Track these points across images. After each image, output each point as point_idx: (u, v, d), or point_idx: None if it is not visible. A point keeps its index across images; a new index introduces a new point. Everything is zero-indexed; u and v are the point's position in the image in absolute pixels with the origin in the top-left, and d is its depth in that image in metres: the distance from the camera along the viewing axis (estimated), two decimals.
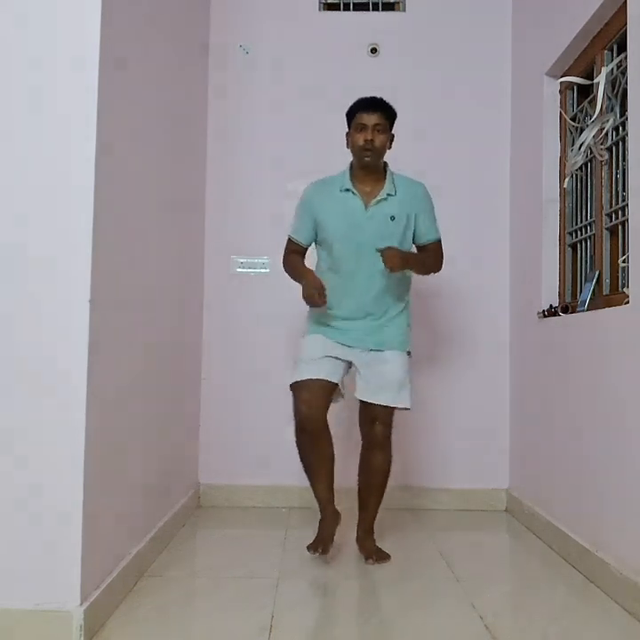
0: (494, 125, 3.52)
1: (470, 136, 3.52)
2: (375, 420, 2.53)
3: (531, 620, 2.02)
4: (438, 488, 3.41)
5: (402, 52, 3.55)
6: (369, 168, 2.54)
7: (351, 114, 2.54)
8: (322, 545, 2.48)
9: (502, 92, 3.53)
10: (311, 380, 2.48)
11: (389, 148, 2.58)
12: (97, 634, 1.85)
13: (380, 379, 2.53)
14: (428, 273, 2.70)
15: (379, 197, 2.52)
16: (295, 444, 2.54)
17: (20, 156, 1.83)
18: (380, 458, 2.56)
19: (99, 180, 1.85)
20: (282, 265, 2.70)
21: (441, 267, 2.71)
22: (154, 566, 2.43)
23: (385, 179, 2.57)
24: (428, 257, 2.66)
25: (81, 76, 1.83)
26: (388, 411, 2.54)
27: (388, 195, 2.53)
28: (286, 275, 2.68)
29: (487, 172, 3.52)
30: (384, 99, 2.55)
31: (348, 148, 2.58)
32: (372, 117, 2.48)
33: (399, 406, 2.54)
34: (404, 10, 3.57)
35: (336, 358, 2.54)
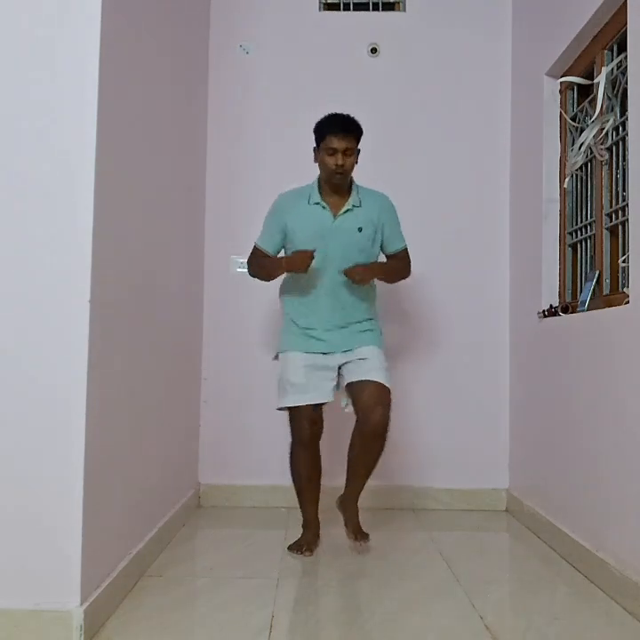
0: (494, 125, 3.52)
1: (470, 136, 3.52)
2: (374, 404, 2.51)
3: (531, 620, 2.02)
4: (438, 488, 3.41)
5: (402, 52, 3.55)
6: (337, 185, 2.61)
7: (320, 134, 2.56)
8: (306, 545, 2.59)
9: (502, 91, 3.53)
10: (306, 406, 2.57)
11: (356, 162, 2.62)
12: (97, 634, 1.85)
13: (365, 364, 2.59)
14: (397, 280, 2.80)
15: (345, 208, 2.61)
16: (289, 457, 2.65)
17: (20, 156, 1.83)
18: (375, 445, 2.54)
19: (99, 180, 1.86)
20: (248, 270, 2.78)
21: (409, 272, 2.80)
22: (154, 566, 2.44)
23: (350, 191, 2.64)
24: (395, 265, 2.75)
25: (81, 76, 1.83)
26: (386, 393, 2.56)
27: (354, 206, 2.61)
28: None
29: (487, 172, 3.52)
30: (351, 117, 2.57)
31: (315, 162, 2.63)
32: (342, 143, 2.51)
33: (387, 384, 2.57)
34: (404, 10, 3.57)
35: (322, 373, 2.60)
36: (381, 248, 2.72)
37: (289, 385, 2.59)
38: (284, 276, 2.76)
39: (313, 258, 2.50)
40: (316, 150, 2.61)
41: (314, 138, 2.62)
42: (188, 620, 2.02)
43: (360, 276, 2.52)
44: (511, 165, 3.49)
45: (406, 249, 2.76)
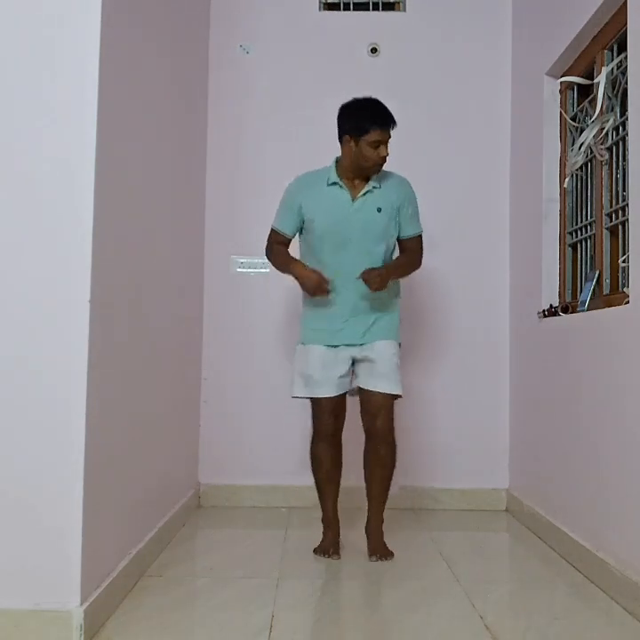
0: (494, 125, 3.52)
1: (470, 136, 3.52)
2: (377, 412, 2.56)
3: (531, 620, 2.02)
4: (438, 488, 3.41)
5: (402, 52, 3.55)
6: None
7: (361, 126, 2.47)
8: (332, 548, 2.59)
9: (502, 91, 3.53)
10: (328, 398, 2.58)
11: None
12: (97, 634, 1.85)
13: (376, 368, 2.57)
14: (409, 274, 2.75)
15: (365, 189, 2.56)
16: (310, 453, 2.63)
17: (21, 157, 1.83)
18: (384, 450, 2.59)
19: (99, 180, 1.86)
20: (265, 256, 2.74)
21: (421, 263, 2.73)
22: (154, 566, 2.44)
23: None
24: (408, 259, 2.69)
25: (81, 76, 1.83)
26: (389, 400, 2.58)
27: (374, 187, 2.57)
28: (279, 272, 2.71)
29: (487, 172, 3.52)
30: (384, 105, 2.52)
31: (347, 153, 2.54)
32: (386, 135, 2.49)
33: (395, 393, 2.58)
34: (404, 10, 3.57)
35: (339, 366, 2.59)
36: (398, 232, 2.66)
37: (306, 377, 2.58)
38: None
39: (328, 292, 2.50)
40: (346, 138, 2.51)
41: (340, 124, 2.53)
42: (188, 620, 2.02)
43: (377, 284, 2.47)
44: (511, 165, 3.49)
45: (421, 236, 2.70)
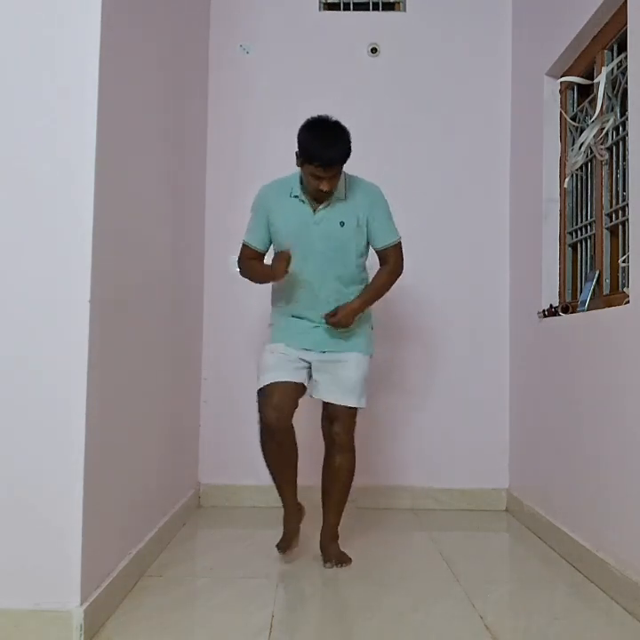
0: (494, 125, 3.52)
1: (470, 136, 3.52)
2: (336, 421, 2.51)
3: (531, 620, 2.02)
4: (438, 488, 3.41)
5: (402, 52, 3.55)
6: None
7: (305, 153, 2.33)
8: (288, 542, 2.55)
9: (502, 91, 3.53)
10: (277, 383, 2.45)
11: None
12: (97, 634, 1.85)
13: (340, 380, 2.50)
14: (387, 290, 2.61)
15: (326, 202, 2.46)
16: (260, 445, 2.51)
17: (21, 157, 1.83)
18: (341, 459, 2.53)
19: (99, 180, 1.86)
20: (239, 273, 2.67)
21: (400, 271, 2.61)
22: (154, 566, 2.44)
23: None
24: (379, 282, 2.57)
25: (81, 76, 1.83)
26: (350, 411, 2.52)
27: (337, 199, 2.46)
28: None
29: (487, 172, 3.52)
30: (338, 138, 2.35)
31: (299, 166, 2.42)
32: (327, 172, 2.34)
33: (351, 405, 2.51)
34: (404, 10, 3.57)
35: (298, 359, 2.51)
36: (370, 242, 2.55)
37: (266, 369, 2.49)
38: None
39: (290, 259, 2.38)
40: (297, 156, 2.39)
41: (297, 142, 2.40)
42: (188, 620, 2.02)
43: (343, 324, 2.44)
44: (511, 165, 3.49)
45: (398, 244, 2.56)
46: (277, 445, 2.48)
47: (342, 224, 2.47)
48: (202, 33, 3.42)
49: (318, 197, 2.45)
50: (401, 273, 2.61)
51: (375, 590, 2.25)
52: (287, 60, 3.54)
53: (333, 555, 2.51)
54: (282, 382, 2.46)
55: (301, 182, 2.48)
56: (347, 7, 3.59)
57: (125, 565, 2.13)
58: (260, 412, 2.48)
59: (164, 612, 2.05)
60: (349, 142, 2.38)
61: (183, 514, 3.03)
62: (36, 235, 1.82)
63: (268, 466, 2.55)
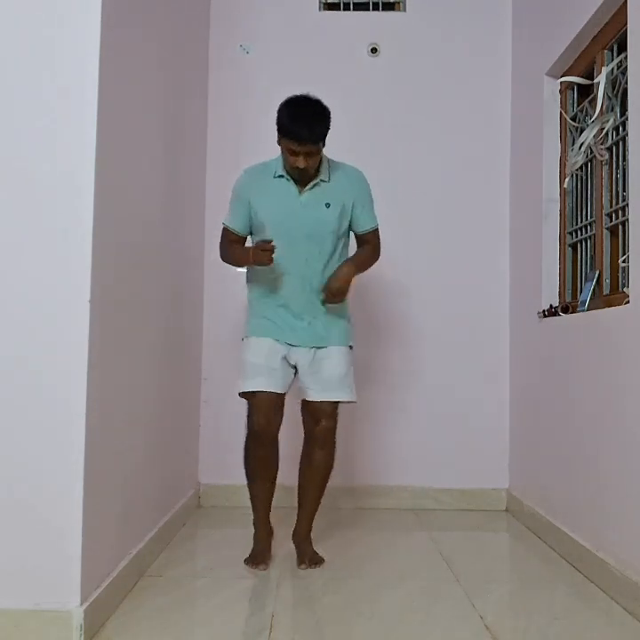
0: (494, 125, 3.52)
1: (470, 136, 3.52)
2: (320, 417, 2.47)
3: (531, 620, 2.02)
4: (438, 488, 3.41)
5: (402, 52, 3.55)
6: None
7: (282, 128, 2.35)
8: (256, 559, 2.46)
9: (502, 91, 3.53)
10: (268, 392, 2.43)
11: (323, 147, 2.43)
12: (97, 634, 1.85)
13: (325, 375, 2.47)
14: (367, 268, 2.62)
15: (312, 183, 2.44)
16: (244, 450, 2.52)
17: (21, 157, 1.83)
18: (321, 454, 2.50)
19: (99, 180, 1.86)
20: (220, 256, 2.64)
21: (379, 255, 2.63)
22: (154, 566, 2.44)
23: (319, 166, 2.45)
24: (367, 254, 2.58)
25: (81, 76, 1.83)
26: (334, 406, 2.49)
27: (322, 180, 2.45)
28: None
29: (487, 172, 3.52)
30: (316, 115, 2.34)
31: (278, 144, 2.42)
32: (303, 148, 2.32)
33: (345, 400, 2.49)
34: (404, 10, 3.57)
35: (285, 362, 2.48)
36: (351, 227, 2.55)
37: (255, 369, 2.46)
38: None
39: (273, 250, 2.33)
40: (279, 138, 2.39)
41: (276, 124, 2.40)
42: (188, 620, 2.02)
43: (339, 293, 2.40)
44: (511, 165, 3.49)
45: (377, 230, 2.58)
46: (263, 454, 2.47)
47: (328, 205, 2.46)
48: (202, 33, 3.42)
49: (296, 176, 2.42)
50: (378, 257, 2.63)
51: (375, 590, 2.25)
52: (287, 60, 3.54)
53: (307, 555, 2.49)
54: (273, 393, 2.43)
55: (285, 163, 2.45)
56: (347, 7, 3.59)
57: (125, 565, 2.13)
58: (249, 417, 2.46)
59: (164, 611, 2.05)
60: (327, 119, 2.36)
61: (183, 514, 3.03)
62: (36, 235, 1.82)
63: (248, 475, 2.53)
